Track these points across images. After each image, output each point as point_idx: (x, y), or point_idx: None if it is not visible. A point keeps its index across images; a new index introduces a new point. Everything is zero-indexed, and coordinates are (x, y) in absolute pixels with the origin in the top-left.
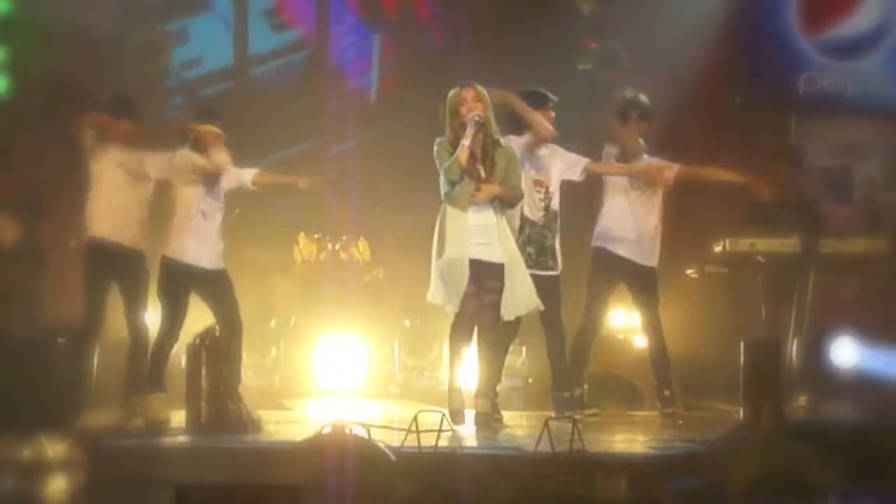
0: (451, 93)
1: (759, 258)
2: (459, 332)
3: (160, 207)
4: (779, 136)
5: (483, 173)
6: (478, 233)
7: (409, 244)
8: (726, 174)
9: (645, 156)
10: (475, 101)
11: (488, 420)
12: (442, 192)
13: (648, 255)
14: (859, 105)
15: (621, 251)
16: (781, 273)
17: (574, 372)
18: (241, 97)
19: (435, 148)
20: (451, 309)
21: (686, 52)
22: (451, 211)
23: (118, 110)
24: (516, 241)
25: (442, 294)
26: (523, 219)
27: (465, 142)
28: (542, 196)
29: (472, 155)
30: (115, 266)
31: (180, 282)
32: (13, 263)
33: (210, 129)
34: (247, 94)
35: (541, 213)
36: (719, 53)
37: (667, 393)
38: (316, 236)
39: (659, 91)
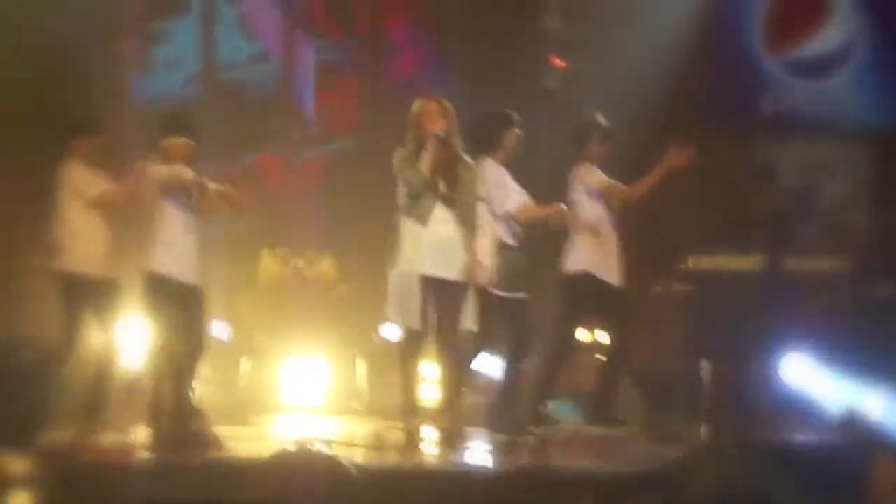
0: (415, 104)
1: (723, 278)
2: (413, 349)
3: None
4: (746, 155)
5: (444, 188)
6: (443, 248)
7: (375, 260)
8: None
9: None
10: (439, 116)
11: (454, 437)
12: (400, 204)
13: (619, 276)
14: (825, 124)
15: (602, 274)
16: (745, 291)
17: (544, 389)
18: (211, 101)
19: (395, 159)
20: (403, 324)
21: (653, 70)
22: (410, 224)
23: (85, 127)
24: (500, 266)
25: (393, 310)
26: (500, 243)
27: (427, 154)
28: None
29: (433, 169)
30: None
31: (170, 297)
32: None
33: (183, 141)
34: (216, 99)
35: (515, 238)
36: (685, 70)
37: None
38: (279, 252)
39: (625, 110)
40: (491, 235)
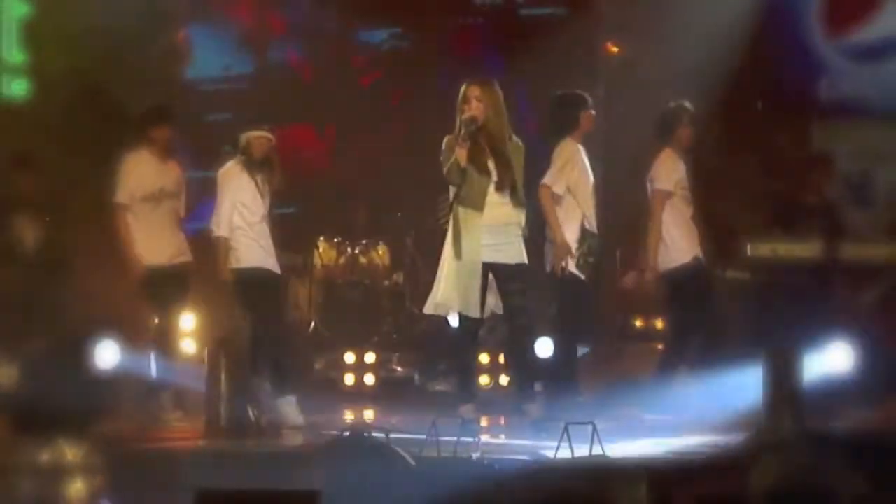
0: (462, 88)
1: (781, 263)
2: (468, 338)
3: None
4: (801, 140)
5: (496, 174)
6: (498, 233)
7: (429, 248)
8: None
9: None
10: (477, 100)
11: (543, 425)
12: (451, 190)
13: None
14: (881, 110)
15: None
16: (802, 278)
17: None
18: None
19: (444, 144)
20: (465, 311)
21: (709, 56)
22: (463, 212)
23: (153, 119)
24: (577, 253)
25: (456, 300)
26: (584, 230)
27: (461, 146)
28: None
29: (473, 155)
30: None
31: (262, 287)
32: (35, 266)
33: (265, 135)
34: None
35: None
36: (739, 57)
37: None
38: (336, 240)
39: (683, 95)
40: (576, 219)
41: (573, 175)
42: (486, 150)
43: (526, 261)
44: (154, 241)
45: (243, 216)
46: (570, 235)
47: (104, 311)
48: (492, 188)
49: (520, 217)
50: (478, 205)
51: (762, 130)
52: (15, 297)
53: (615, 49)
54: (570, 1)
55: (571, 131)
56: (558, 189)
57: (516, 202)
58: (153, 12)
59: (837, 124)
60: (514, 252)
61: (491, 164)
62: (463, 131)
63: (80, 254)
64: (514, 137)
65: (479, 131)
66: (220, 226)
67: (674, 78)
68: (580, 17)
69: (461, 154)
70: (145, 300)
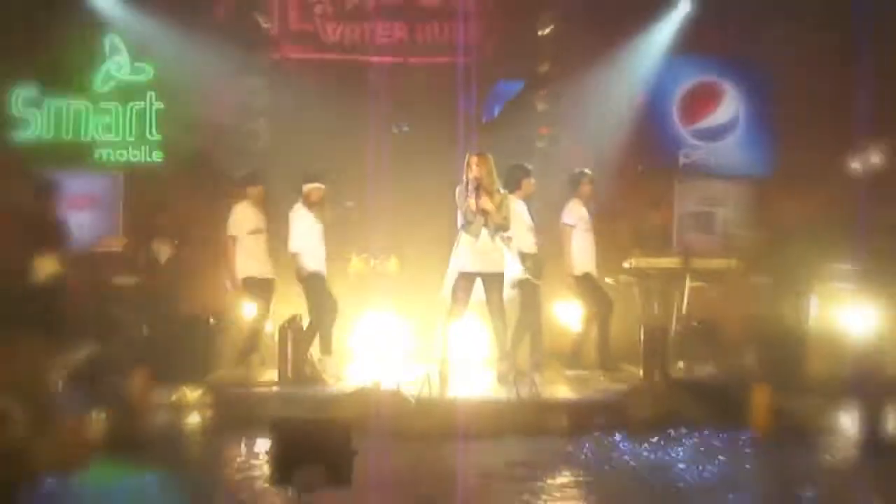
0: (468, 155)
1: (653, 272)
2: (452, 318)
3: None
4: (666, 191)
5: (486, 214)
6: (486, 252)
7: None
8: None
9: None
10: (476, 166)
11: (506, 378)
12: (459, 223)
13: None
14: (718, 172)
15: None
16: (667, 282)
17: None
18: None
19: (457, 192)
20: (449, 299)
21: (607, 135)
22: (464, 237)
23: (250, 180)
24: (521, 266)
25: (449, 293)
26: (523, 254)
27: (470, 196)
28: (534, 237)
29: (476, 202)
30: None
31: (319, 283)
32: (167, 273)
33: (317, 187)
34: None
35: (535, 248)
36: (628, 136)
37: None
38: (364, 255)
39: (587, 162)
40: (514, 248)
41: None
42: (483, 198)
43: (502, 270)
44: (252, 261)
45: (304, 239)
46: (513, 257)
47: (212, 302)
48: (486, 225)
49: (493, 245)
50: (476, 234)
51: (641, 185)
52: (154, 296)
53: (545, 130)
54: (518, 105)
55: (514, 191)
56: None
57: (496, 238)
58: (242, 107)
59: (691, 180)
60: (495, 264)
61: (484, 208)
62: (470, 187)
63: (197, 266)
64: (501, 190)
65: (478, 187)
66: (296, 246)
67: (583, 149)
68: (522, 113)
69: (471, 202)
70: (244, 296)
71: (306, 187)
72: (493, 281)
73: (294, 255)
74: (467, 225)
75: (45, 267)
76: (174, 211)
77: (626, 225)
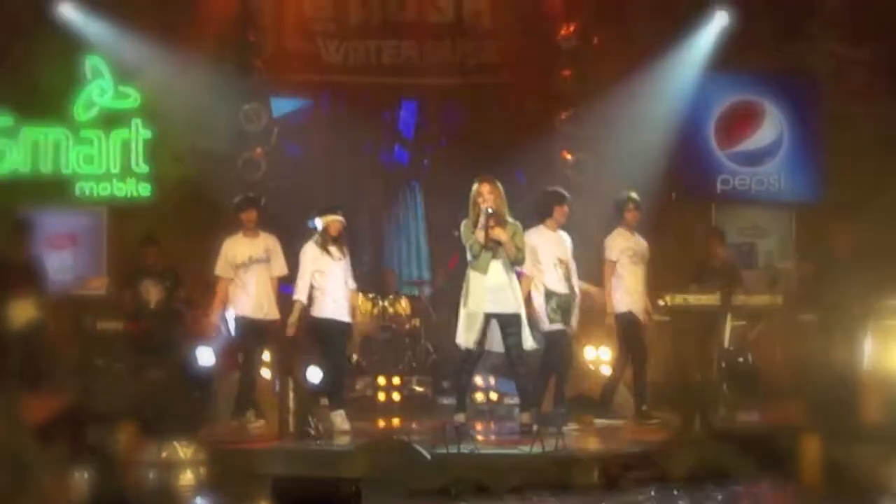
0: (474, 185)
1: (691, 309)
2: (469, 366)
3: None
4: (703, 221)
5: (492, 246)
6: (499, 291)
7: (438, 300)
8: None
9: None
10: (489, 194)
11: (529, 429)
12: (468, 258)
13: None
14: (760, 199)
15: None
16: (706, 319)
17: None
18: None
19: (461, 227)
20: (467, 345)
21: (637, 160)
22: (474, 274)
23: (242, 206)
24: (545, 307)
25: (464, 338)
26: (549, 291)
27: (481, 226)
28: (563, 272)
29: (487, 234)
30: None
31: (337, 333)
32: (158, 317)
33: (336, 219)
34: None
35: (563, 285)
36: (661, 161)
37: (644, 408)
38: (371, 296)
39: (619, 190)
40: (539, 286)
41: (534, 254)
42: (496, 229)
43: (520, 311)
44: (246, 298)
45: (317, 281)
46: (538, 299)
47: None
48: (495, 258)
49: (508, 280)
50: (485, 270)
51: (676, 214)
52: (142, 340)
53: (569, 156)
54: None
55: (545, 220)
56: (525, 267)
57: (509, 267)
58: (238, 135)
59: (730, 208)
60: (508, 304)
61: (495, 241)
62: (483, 219)
63: (190, 306)
64: (511, 220)
65: (490, 216)
66: (299, 292)
67: (611, 177)
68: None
69: (480, 235)
70: (235, 341)
71: (324, 220)
72: (509, 323)
73: (295, 305)
74: (474, 260)
75: (22, 312)
76: (164, 249)
77: (688, 258)
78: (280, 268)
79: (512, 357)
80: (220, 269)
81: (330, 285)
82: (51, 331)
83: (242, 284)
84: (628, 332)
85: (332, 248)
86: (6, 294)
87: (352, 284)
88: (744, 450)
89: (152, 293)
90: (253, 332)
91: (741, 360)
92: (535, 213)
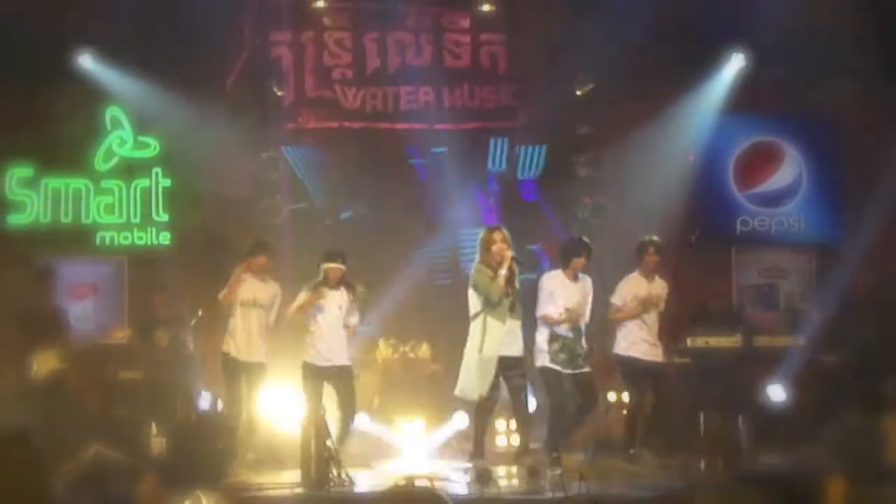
0: (484, 232)
1: (712, 352)
2: (487, 411)
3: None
4: (723, 262)
5: (510, 292)
6: (508, 335)
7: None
8: None
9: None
10: (502, 242)
11: (536, 471)
12: (480, 305)
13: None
14: (780, 240)
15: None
16: (729, 362)
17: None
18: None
19: (474, 274)
20: (483, 394)
21: (656, 203)
22: (491, 321)
23: (253, 250)
24: (547, 346)
25: (473, 384)
26: (553, 334)
27: (502, 272)
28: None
29: (506, 281)
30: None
31: (317, 378)
32: (167, 364)
33: (337, 266)
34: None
35: (569, 329)
36: (680, 203)
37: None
38: (391, 341)
39: (637, 233)
40: (546, 328)
41: (551, 297)
42: (510, 276)
43: (523, 354)
44: (241, 341)
45: (318, 323)
46: (541, 336)
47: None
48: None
49: (518, 324)
50: (503, 318)
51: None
52: (154, 388)
53: (588, 200)
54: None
55: (564, 267)
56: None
57: (517, 314)
58: (255, 181)
59: (750, 250)
60: (516, 348)
61: (509, 287)
62: (505, 266)
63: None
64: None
65: (510, 265)
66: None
67: (629, 221)
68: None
69: (501, 281)
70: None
71: (324, 266)
72: (515, 365)
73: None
74: (493, 308)
75: (46, 363)
76: (173, 296)
77: (689, 301)
78: (277, 317)
79: (515, 399)
80: (225, 296)
81: (322, 329)
82: (74, 381)
83: (234, 323)
84: (626, 377)
85: (329, 293)
86: (31, 344)
87: (354, 321)
88: (768, 493)
89: (162, 340)
90: (232, 371)
91: (764, 401)
92: (559, 257)
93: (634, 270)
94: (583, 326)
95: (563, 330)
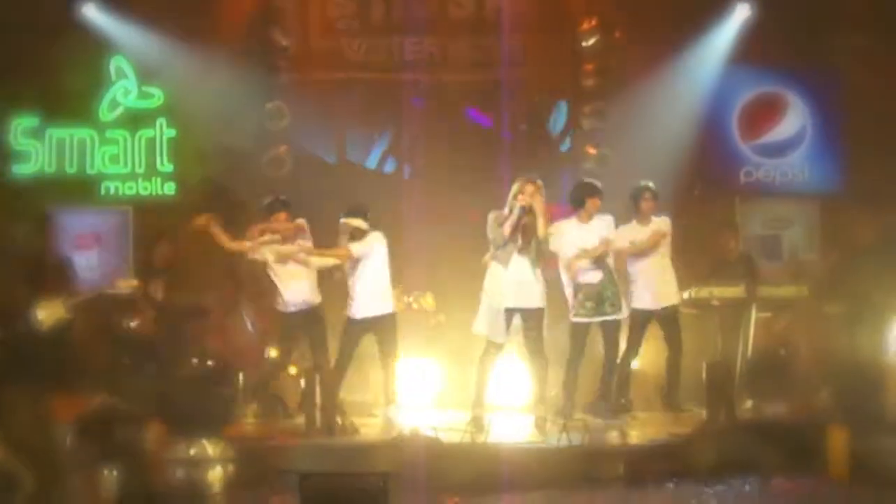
0: (519, 181)
1: (716, 302)
2: (489, 359)
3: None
4: (727, 213)
5: (520, 241)
6: (520, 285)
7: (466, 296)
8: None
9: (653, 217)
10: (533, 193)
11: (544, 422)
12: (492, 250)
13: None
14: (784, 190)
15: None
16: (731, 312)
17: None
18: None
19: (489, 218)
20: (492, 338)
21: (660, 154)
22: (494, 265)
23: (277, 207)
24: (573, 299)
25: (484, 328)
26: (577, 285)
27: (509, 221)
28: (591, 261)
29: (514, 229)
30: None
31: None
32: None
33: (358, 223)
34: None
35: (592, 275)
36: (684, 154)
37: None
38: (395, 292)
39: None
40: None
41: (558, 242)
42: (523, 226)
43: (542, 305)
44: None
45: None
46: (568, 289)
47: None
48: (520, 253)
49: (532, 274)
50: (506, 264)
51: (700, 207)
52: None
53: (592, 150)
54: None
55: (578, 210)
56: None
57: (534, 262)
58: (262, 133)
59: (754, 200)
60: (533, 299)
61: (520, 236)
62: (515, 215)
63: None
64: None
65: (526, 214)
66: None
67: (634, 171)
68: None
69: (507, 228)
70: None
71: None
72: (531, 317)
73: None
74: (498, 252)
75: (51, 313)
76: (179, 246)
77: (691, 251)
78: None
79: (529, 351)
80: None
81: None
82: (79, 331)
83: (281, 278)
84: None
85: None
86: (36, 294)
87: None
88: (770, 442)
89: (158, 289)
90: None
91: (767, 351)
92: (568, 203)
93: (631, 220)
94: (610, 268)
95: (588, 277)
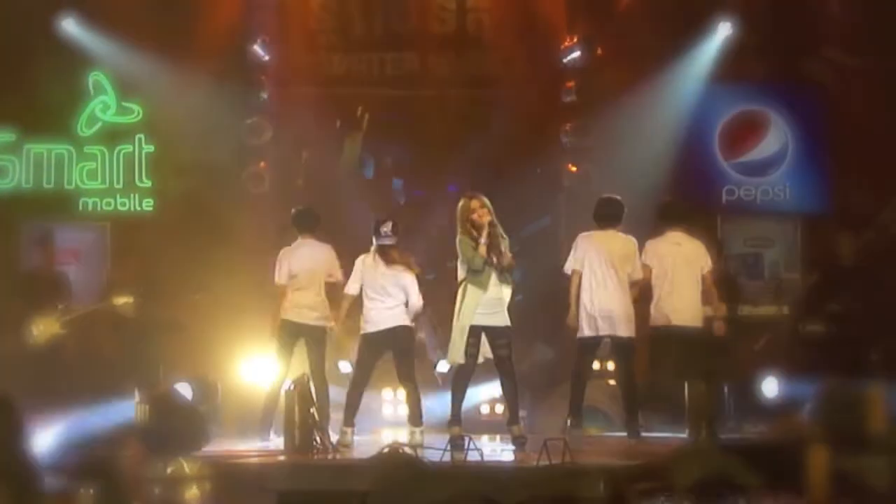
0: (462, 202)
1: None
2: (462, 379)
3: None
4: (708, 232)
5: (495, 260)
6: (493, 305)
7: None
8: None
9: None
10: (481, 209)
11: (523, 441)
12: (462, 274)
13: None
14: (765, 209)
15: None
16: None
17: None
18: None
19: (460, 245)
20: (459, 361)
21: (641, 172)
22: (472, 289)
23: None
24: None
25: (451, 354)
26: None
27: (482, 240)
28: (599, 277)
29: (487, 248)
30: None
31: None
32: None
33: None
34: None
35: (596, 293)
36: (665, 172)
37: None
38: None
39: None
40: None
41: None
42: (493, 244)
43: (510, 324)
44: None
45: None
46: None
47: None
48: (493, 273)
49: (505, 293)
50: (485, 286)
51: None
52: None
53: (573, 168)
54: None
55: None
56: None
57: (505, 283)
58: (241, 148)
59: (735, 219)
60: (502, 318)
61: (494, 255)
62: (486, 233)
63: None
64: (503, 234)
65: (491, 233)
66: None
67: (615, 189)
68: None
69: (483, 250)
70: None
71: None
72: (500, 335)
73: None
74: (475, 275)
75: (46, 328)
76: (148, 262)
77: None
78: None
79: (502, 370)
80: (280, 279)
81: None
82: (73, 348)
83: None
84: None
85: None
86: (30, 308)
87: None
88: (750, 461)
89: (126, 306)
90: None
91: (747, 370)
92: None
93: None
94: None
95: (588, 294)
